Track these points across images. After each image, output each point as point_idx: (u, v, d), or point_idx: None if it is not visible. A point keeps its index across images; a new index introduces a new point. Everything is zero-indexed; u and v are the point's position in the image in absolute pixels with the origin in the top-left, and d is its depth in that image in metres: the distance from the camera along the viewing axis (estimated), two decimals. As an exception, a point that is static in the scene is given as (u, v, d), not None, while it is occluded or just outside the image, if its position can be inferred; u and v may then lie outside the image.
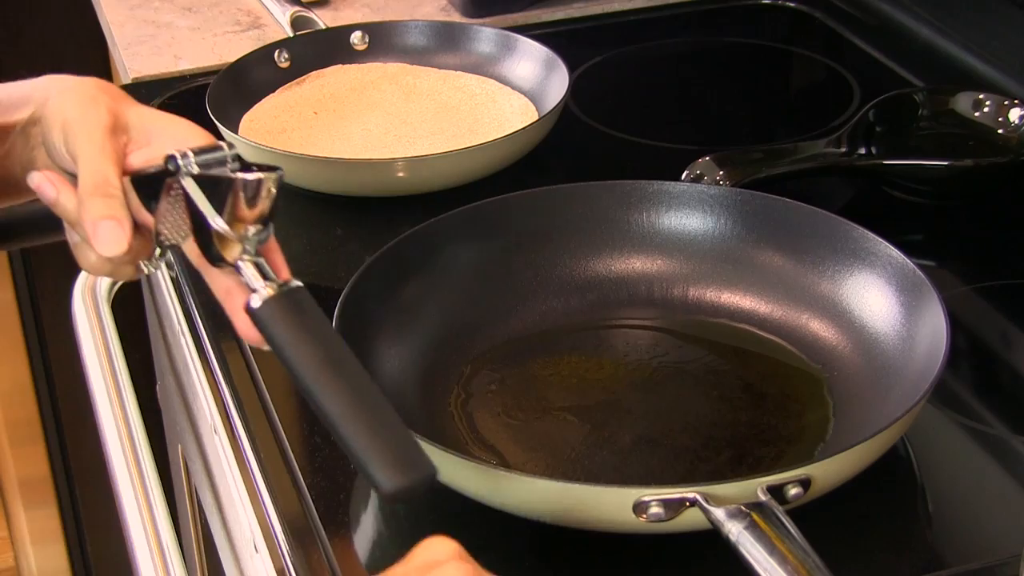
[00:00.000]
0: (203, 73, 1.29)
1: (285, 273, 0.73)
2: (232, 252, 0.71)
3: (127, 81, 1.31)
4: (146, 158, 0.75)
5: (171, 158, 0.71)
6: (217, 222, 0.70)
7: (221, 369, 0.92)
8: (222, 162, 0.72)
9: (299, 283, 0.71)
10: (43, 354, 2.00)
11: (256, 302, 0.70)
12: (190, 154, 0.71)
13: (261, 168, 0.72)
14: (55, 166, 0.78)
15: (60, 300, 1.23)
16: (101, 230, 0.71)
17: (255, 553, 0.85)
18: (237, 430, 0.88)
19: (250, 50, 1.24)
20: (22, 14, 1.81)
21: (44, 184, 0.75)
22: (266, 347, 0.71)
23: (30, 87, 0.79)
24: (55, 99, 0.77)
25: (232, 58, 1.24)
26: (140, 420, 1.07)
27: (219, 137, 1.09)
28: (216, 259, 0.72)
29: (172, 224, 0.73)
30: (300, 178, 1.10)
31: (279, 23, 1.33)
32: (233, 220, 0.71)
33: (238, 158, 0.72)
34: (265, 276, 0.71)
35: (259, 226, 0.71)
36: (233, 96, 1.18)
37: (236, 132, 1.13)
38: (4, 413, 2.05)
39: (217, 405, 0.93)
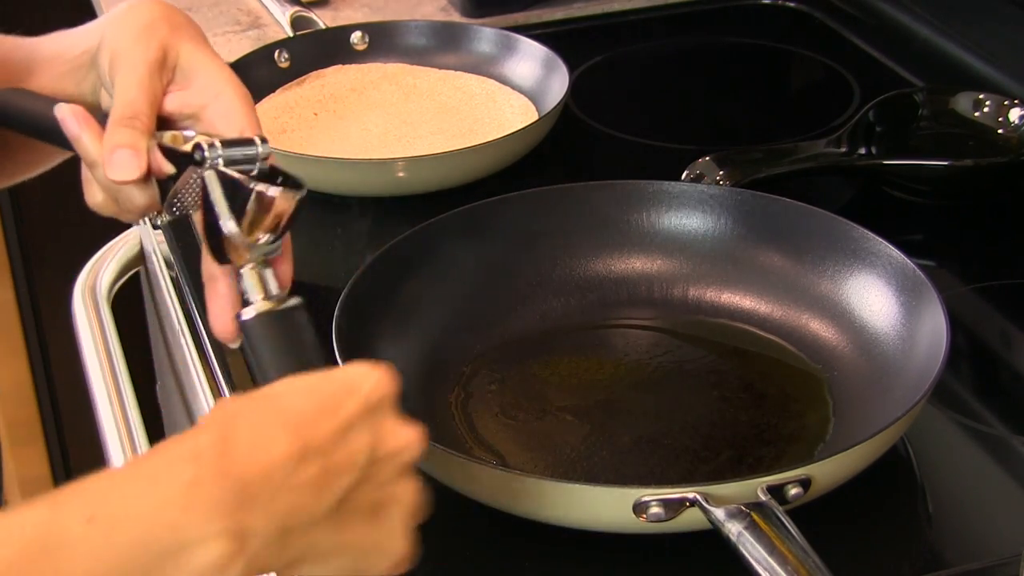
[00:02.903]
0: (203, 73, 1.29)
1: (287, 284, 0.70)
2: (238, 255, 0.69)
3: (127, 81, 1.30)
4: (181, 103, 0.73)
5: (198, 148, 0.68)
6: (228, 225, 0.68)
7: (221, 369, 0.92)
8: (252, 160, 0.69)
9: (298, 301, 0.68)
10: (43, 354, 2.00)
11: (247, 315, 0.68)
12: (218, 147, 0.68)
13: (287, 179, 0.69)
14: (103, 93, 0.76)
15: (60, 300, 1.23)
16: (117, 155, 0.70)
17: (255, 553, 0.85)
18: (237, 430, 0.88)
19: (250, 50, 1.24)
20: (22, 13, 1.81)
21: (69, 119, 0.72)
22: (234, 346, 0.70)
23: (102, 19, 0.78)
24: (115, 21, 0.75)
25: (232, 58, 1.24)
26: (140, 420, 1.06)
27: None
28: (220, 255, 0.69)
29: (187, 199, 0.71)
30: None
31: (279, 23, 1.33)
32: (245, 226, 0.68)
33: (268, 157, 0.69)
34: (265, 289, 0.68)
35: (270, 236, 0.68)
36: (233, 96, 1.18)
37: (236, 132, 1.13)
38: (4, 413, 2.05)
39: (217, 405, 0.93)
